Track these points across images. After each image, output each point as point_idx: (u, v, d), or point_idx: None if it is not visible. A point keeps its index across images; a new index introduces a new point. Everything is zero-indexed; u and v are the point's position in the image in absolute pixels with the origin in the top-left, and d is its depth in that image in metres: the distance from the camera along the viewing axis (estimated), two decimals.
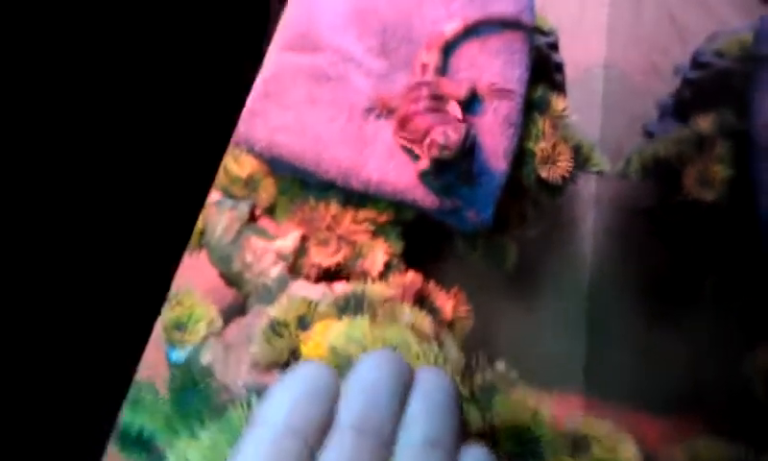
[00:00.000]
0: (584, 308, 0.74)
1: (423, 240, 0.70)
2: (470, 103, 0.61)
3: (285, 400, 0.28)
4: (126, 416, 0.48)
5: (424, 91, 0.59)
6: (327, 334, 0.47)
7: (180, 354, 0.52)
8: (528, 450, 0.40)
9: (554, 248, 0.76)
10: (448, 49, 0.64)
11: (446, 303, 0.61)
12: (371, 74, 0.66)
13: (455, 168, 0.55)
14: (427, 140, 0.54)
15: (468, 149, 0.53)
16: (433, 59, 0.62)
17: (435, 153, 0.53)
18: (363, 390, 0.29)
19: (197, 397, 0.47)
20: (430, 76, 0.61)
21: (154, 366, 0.53)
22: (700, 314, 0.71)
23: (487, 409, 0.40)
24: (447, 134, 0.53)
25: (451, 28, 0.64)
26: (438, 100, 0.59)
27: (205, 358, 0.52)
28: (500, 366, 0.42)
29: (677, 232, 0.69)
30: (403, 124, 0.58)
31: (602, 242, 0.76)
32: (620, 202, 0.78)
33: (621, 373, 0.69)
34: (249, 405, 0.42)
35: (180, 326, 0.53)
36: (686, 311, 0.72)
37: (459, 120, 0.57)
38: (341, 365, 0.45)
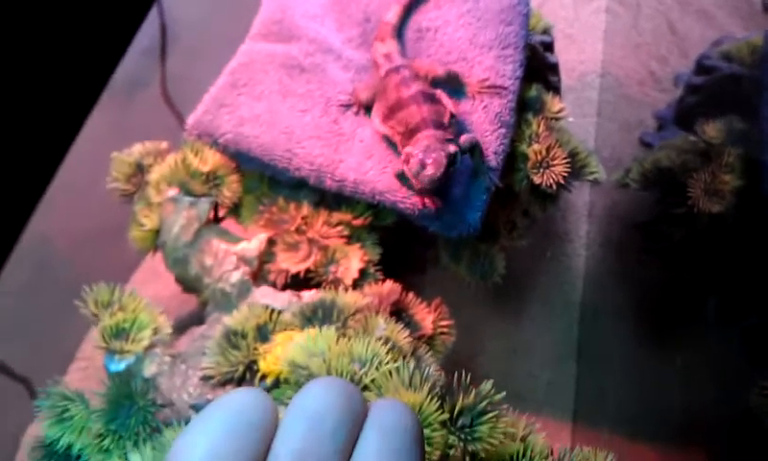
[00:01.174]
0: (575, 327, 0.68)
1: (403, 248, 0.64)
2: (454, 90, 0.56)
3: (209, 433, 0.23)
4: (50, 430, 0.42)
5: (406, 72, 0.53)
6: (288, 347, 0.41)
7: (119, 364, 0.45)
8: None
9: (545, 261, 0.71)
10: (401, 34, 0.60)
11: (427, 316, 0.55)
12: (350, 66, 0.60)
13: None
14: (410, 163, 0.49)
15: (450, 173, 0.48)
16: (391, 46, 0.58)
17: (416, 184, 0.48)
18: (304, 419, 0.24)
19: (134, 414, 0.41)
20: (399, 60, 0.56)
21: (89, 364, 0.47)
22: (699, 337, 0.66)
23: (469, 438, 0.34)
24: (425, 166, 0.47)
25: (393, 13, 0.60)
26: (426, 83, 0.53)
27: (149, 370, 0.46)
28: (486, 387, 0.35)
29: (677, 248, 0.64)
30: (393, 111, 0.53)
31: (596, 256, 0.71)
32: (616, 213, 0.73)
33: (614, 397, 0.63)
34: (195, 410, 0.36)
35: (120, 333, 0.46)
36: (685, 333, 0.67)
37: (452, 113, 0.52)
38: (300, 383, 0.38)
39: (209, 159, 0.59)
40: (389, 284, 0.55)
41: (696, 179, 0.56)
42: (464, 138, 0.51)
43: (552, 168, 0.57)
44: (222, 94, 0.60)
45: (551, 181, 0.57)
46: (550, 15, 0.77)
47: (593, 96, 0.81)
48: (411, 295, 0.56)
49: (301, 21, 0.63)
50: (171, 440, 0.36)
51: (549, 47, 0.69)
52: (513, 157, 0.58)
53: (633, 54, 0.85)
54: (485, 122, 0.54)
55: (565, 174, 0.58)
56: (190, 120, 0.60)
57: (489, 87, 0.56)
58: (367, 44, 0.61)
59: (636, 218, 0.69)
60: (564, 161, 0.58)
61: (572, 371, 0.65)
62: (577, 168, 0.62)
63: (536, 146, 0.57)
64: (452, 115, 0.52)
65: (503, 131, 0.54)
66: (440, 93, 0.53)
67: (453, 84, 0.56)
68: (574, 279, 0.69)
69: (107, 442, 0.40)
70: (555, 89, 0.67)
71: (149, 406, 0.42)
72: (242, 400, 0.24)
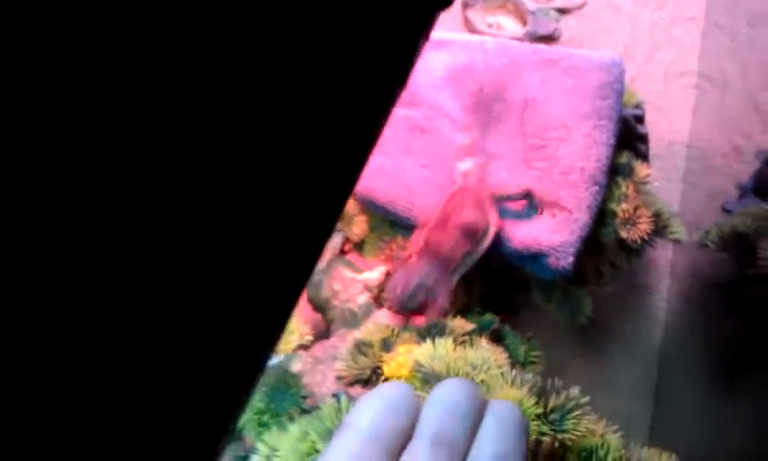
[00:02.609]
0: (653, 373, 0.75)
1: (501, 289, 0.73)
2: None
3: (371, 410, 0.32)
4: None
5: (469, 195, 0.63)
6: (411, 354, 0.51)
7: (272, 360, 0.57)
8: None
9: (628, 309, 0.78)
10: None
11: (519, 346, 0.64)
12: (462, 128, 0.71)
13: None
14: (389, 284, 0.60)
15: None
16: (470, 164, 0.67)
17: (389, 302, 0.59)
18: (441, 407, 0.33)
19: (288, 397, 0.52)
20: (473, 181, 0.65)
21: None
22: None
23: (558, 429, 0.43)
24: (394, 287, 0.58)
25: (462, 138, 0.69)
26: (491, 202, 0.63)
27: (295, 367, 0.56)
28: (574, 391, 0.44)
29: (754, 307, 0.71)
30: (436, 226, 0.62)
31: (676, 310, 0.78)
32: (696, 272, 0.80)
33: (685, 442, 0.70)
34: (338, 401, 0.46)
35: None
36: (760, 388, 0.73)
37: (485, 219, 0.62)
38: (423, 381, 0.48)
39: None
40: (488, 316, 0.64)
41: (765, 243, 0.63)
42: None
43: (637, 225, 0.66)
44: None
45: (636, 236, 0.66)
46: (642, 89, 0.86)
47: (680, 164, 0.89)
48: (507, 327, 0.65)
49: (424, 90, 0.74)
50: (324, 411, 0.46)
51: (640, 119, 0.78)
52: (603, 214, 0.67)
53: (718, 128, 0.93)
54: (581, 180, 0.63)
55: (649, 231, 0.66)
56: None
57: (554, 204, 0.64)
58: (478, 110, 0.72)
59: (717, 278, 0.76)
60: (648, 220, 0.66)
61: (649, 409, 0.72)
62: (660, 227, 0.70)
63: (624, 205, 0.66)
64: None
65: (596, 188, 0.63)
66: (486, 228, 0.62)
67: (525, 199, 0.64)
68: (654, 328, 0.77)
69: (265, 417, 0.51)
70: (644, 157, 0.76)
71: (300, 393, 0.52)
72: (395, 389, 0.33)
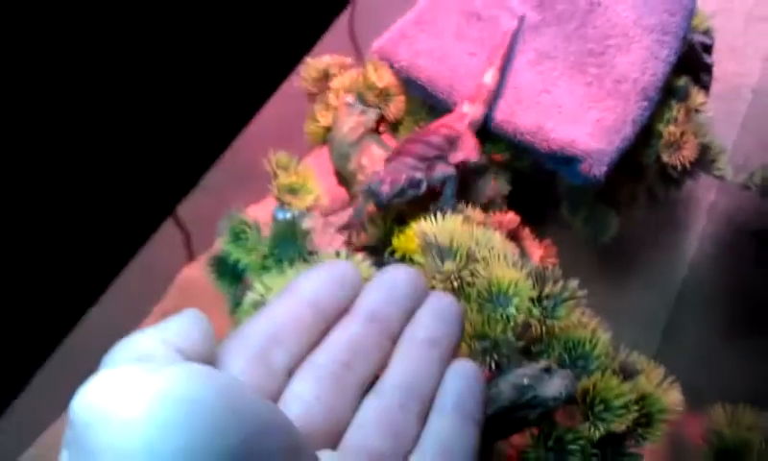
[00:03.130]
0: (668, 308, 0.74)
1: (530, 199, 0.72)
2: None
3: (315, 280, 0.33)
4: (226, 247, 0.54)
5: (443, 131, 0.59)
6: (419, 225, 0.51)
7: (285, 214, 0.57)
8: (578, 363, 0.42)
9: (656, 240, 0.76)
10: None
11: (536, 250, 0.63)
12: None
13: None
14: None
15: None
16: (476, 111, 0.62)
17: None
18: (381, 287, 0.34)
19: (293, 247, 0.52)
20: (463, 128, 0.61)
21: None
22: None
23: (549, 315, 0.42)
24: (382, 184, 0.52)
25: (490, 76, 0.63)
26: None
27: (306, 224, 0.57)
28: (573, 283, 0.44)
29: None
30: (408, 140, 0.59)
31: (706, 250, 0.76)
32: (734, 217, 0.77)
33: (687, 371, 0.68)
34: (338, 256, 0.46)
35: (292, 190, 0.58)
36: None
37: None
38: (427, 252, 0.48)
39: (385, 78, 0.69)
40: (510, 214, 0.63)
41: None
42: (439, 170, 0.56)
43: (682, 151, 0.63)
44: (406, 27, 0.70)
45: (678, 161, 0.63)
46: (718, 25, 0.81)
47: (741, 108, 0.85)
48: (527, 229, 0.64)
49: None
50: (323, 259, 0.46)
51: (708, 49, 0.74)
52: (648, 134, 0.64)
53: None
54: (632, 92, 0.60)
55: (693, 160, 0.63)
56: (376, 44, 0.70)
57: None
58: (541, 7, 0.68)
59: (754, 225, 0.73)
60: (694, 148, 0.63)
61: (655, 342, 0.71)
62: (706, 160, 0.67)
63: (671, 127, 0.63)
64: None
65: (645, 104, 0.60)
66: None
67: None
68: (679, 264, 0.75)
69: (269, 262, 0.52)
70: (704, 88, 0.72)
71: (305, 245, 0.52)
72: (343, 266, 0.34)
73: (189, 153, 0.81)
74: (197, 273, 0.83)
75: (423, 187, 0.54)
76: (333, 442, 0.29)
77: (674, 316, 0.74)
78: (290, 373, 0.30)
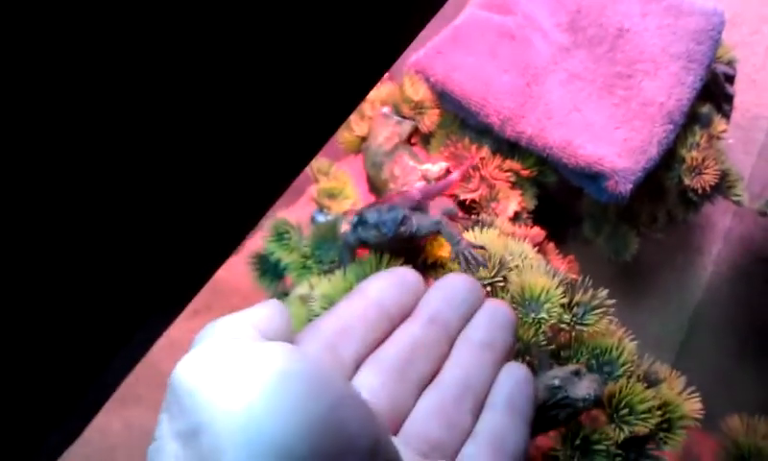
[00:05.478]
0: (683, 329, 0.76)
1: (555, 217, 0.74)
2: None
3: (381, 282, 0.37)
4: (269, 246, 0.56)
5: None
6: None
7: (325, 217, 0.60)
8: (604, 369, 0.45)
9: (674, 262, 0.79)
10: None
11: (560, 265, 0.66)
12: (553, 44, 0.71)
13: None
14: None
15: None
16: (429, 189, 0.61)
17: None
18: (441, 293, 0.37)
19: (333, 248, 0.55)
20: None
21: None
22: None
23: (578, 321, 0.45)
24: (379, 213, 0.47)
25: (454, 176, 0.65)
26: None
27: (343, 227, 0.59)
28: (602, 293, 0.46)
29: None
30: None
31: (722, 274, 0.78)
32: (750, 242, 0.80)
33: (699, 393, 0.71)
34: (380, 259, 0.48)
35: (331, 195, 0.60)
36: None
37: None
38: (460, 259, 0.50)
39: (420, 92, 0.72)
40: (536, 229, 0.66)
41: None
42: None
43: (702, 175, 0.66)
44: (442, 44, 0.73)
45: (699, 186, 0.66)
46: (740, 57, 0.84)
47: (760, 138, 0.88)
48: (552, 244, 0.67)
49: (521, 0, 0.74)
50: (366, 263, 0.48)
51: (730, 79, 0.77)
52: (671, 157, 0.67)
53: None
54: (657, 115, 0.63)
55: (713, 184, 0.66)
56: (413, 58, 0.73)
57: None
58: (572, 30, 0.71)
59: (766, 253, 0.76)
60: (714, 173, 0.66)
61: (669, 362, 0.73)
62: (724, 186, 0.70)
63: (694, 152, 0.66)
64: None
65: (670, 127, 0.63)
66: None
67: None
68: (695, 286, 0.77)
69: (309, 262, 0.54)
70: (725, 116, 0.75)
71: (345, 246, 0.55)
72: (406, 272, 0.38)
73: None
74: (227, 274, 0.86)
75: (414, 227, 0.47)
76: (395, 429, 0.32)
77: (688, 336, 0.76)
78: (357, 365, 0.33)
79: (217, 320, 0.28)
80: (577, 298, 0.45)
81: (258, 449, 0.22)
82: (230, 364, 0.24)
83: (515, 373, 0.35)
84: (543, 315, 0.45)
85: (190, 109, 0.23)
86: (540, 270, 0.48)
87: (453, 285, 0.37)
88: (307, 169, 0.63)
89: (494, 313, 0.37)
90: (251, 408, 0.23)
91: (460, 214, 0.66)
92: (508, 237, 0.53)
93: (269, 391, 0.23)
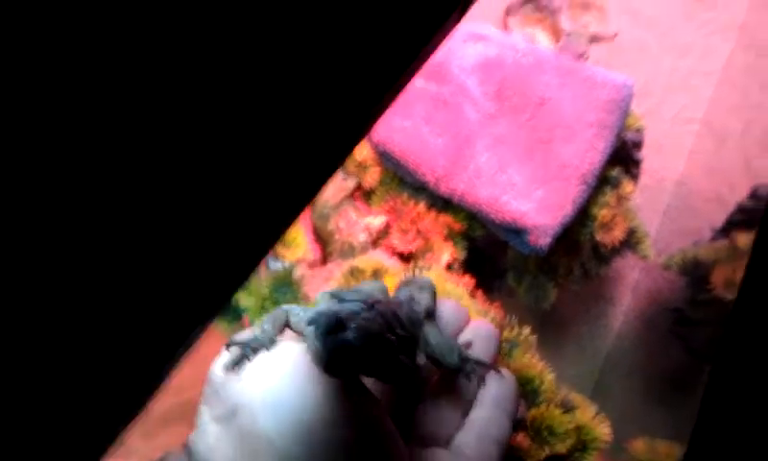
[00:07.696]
0: (595, 374, 0.84)
1: (481, 269, 0.82)
2: None
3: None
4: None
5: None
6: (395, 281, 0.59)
7: (277, 265, 0.65)
8: (528, 396, 0.51)
9: (588, 312, 0.87)
10: None
11: (489, 309, 0.73)
12: (481, 111, 0.79)
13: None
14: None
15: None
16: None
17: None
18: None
19: (289, 292, 0.60)
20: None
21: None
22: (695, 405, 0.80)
23: (506, 356, 0.52)
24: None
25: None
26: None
27: (296, 273, 0.65)
28: (526, 330, 0.53)
29: (694, 330, 0.80)
30: None
31: (631, 323, 0.87)
32: (655, 294, 0.89)
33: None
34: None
35: (285, 243, 0.66)
36: (684, 401, 0.81)
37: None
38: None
39: (363, 152, 0.79)
40: (467, 278, 0.73)
41: (719, 269, 0.72)
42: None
43: (613, 231, 0.74)
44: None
45: (609, 241, 0.74)
46: (649, 125, 0.94)
47: (664, 198, 0.98)
48: (480, 291, 0.74)
49: (456, 71, 0.82)
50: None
51: (637, 145, 0.86)
52: (585, 215, 0.75)
53: (708, 176, 1.01)
54: (573, 177, 0.72)
55: (622, 239, 0.75)
56: None
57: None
58: (498, 98, 0.80)
59: (672, 302, 0.85)
60: (623, 230, 0.75)
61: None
62: (633, 242, 0.79)
63: (605, 211, 0.74)
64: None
65: (584, 187, 0.71)
66: None
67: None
68: (607, 334, 0.86)
69: (267, 303, 0.60)
70: (633, 178, 0.85)
71: (299, 293, 0.61)
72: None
73: None
74: None
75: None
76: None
77: (601, 378, 0.84)
78: None
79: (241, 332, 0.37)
80: (506, 334, 0.52)
81: (282, 416, 0.31)
82: (256, 359, 0.34)
83: (500, 377, 0.42)
84: None
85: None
86: (473, 310, 0.54)
87: (440, 308, 0.45)
88: None
89: (479, 329, 0.44)
90: (275, 388, 0.32)
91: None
92: (446, 281, 0.59)
93: (286, 376, 0.33)
